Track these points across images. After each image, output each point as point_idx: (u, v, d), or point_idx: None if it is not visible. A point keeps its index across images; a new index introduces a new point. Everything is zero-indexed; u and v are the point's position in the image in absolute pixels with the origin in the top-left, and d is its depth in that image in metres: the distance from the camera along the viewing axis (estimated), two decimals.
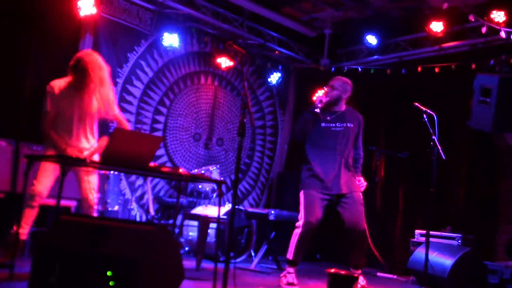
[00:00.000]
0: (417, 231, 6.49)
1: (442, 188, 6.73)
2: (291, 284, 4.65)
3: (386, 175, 7.98)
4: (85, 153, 4.28)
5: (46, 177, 4.20)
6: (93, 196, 4.36)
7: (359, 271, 4.70)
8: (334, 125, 4.72)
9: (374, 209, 7.84)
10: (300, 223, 4.61)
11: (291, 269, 4.70)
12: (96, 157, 4.35)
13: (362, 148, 5.07)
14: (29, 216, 4.16)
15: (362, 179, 4.89)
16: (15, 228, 4.07)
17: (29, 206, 4.15)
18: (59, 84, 4.30)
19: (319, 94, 4.72)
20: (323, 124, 4.80)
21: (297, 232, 4.62)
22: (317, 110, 4.63)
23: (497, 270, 5.69)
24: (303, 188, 4.70)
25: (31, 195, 4.15)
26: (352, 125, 4.81)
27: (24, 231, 4.14)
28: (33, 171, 4.04)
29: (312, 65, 8.78)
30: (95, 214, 4.42)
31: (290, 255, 4.66)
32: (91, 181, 4.36)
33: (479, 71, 6.41)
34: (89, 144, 4.43)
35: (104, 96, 4.41)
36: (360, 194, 4.77)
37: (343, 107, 4.91)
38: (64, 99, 4.27)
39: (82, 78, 4.26)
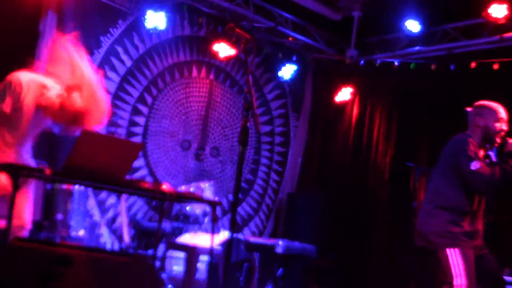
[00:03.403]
0: None
1: (502, 217, 6.73)
2: None
3: None
4: None
5: None
6: (29, 214, 4.30)
7: None
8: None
9: (411, 242, 7.82)
10: None
11: None
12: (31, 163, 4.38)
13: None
14: None
15: None
16: None
17: None
18: (24, 78, 4.25)
19: None
20: None
21: None
22: None
23: None
24: (460, 247, 4.53)
25: None
26: None
27: None
28: None
29: (335, 56, 8.83)
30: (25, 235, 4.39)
31: None
32: (28, 193, 4.32)
33: None
34: (26, 155, 4.43)
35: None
36: None
37: None
38: (27, 101, 4.23)
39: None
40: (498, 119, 4.63)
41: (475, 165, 4.42)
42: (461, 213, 4.59)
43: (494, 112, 4.67)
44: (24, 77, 4.28)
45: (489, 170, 4.41)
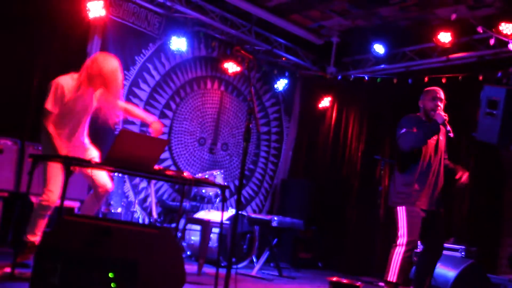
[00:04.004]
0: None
1: (446, 199, 6.68)
2: None
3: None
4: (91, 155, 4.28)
5: (57, 182, 4.09)
6: (109, 181, 4.29)
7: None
8: (435, 137, 4.44)
9: (378, 218, 7.81)
10: (402, 241, 4.27)
11: None
12: (96, 158, 4.35)
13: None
14: (42, 224, 4.09)
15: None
16: (28, 236, 4.04)
17: (42, 216, 4.07)
18: (65, 81, 4.20)
19: (440, 112, 4.37)
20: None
21: (399, 251, 4.25)
22: (451, 135, 4.30)
23: (501, 284, 5.65)
24: (406, 204, 4.33)
25: (46, 206, 4.05)
26: (442, 138, 4.57)
27: (38, 238, 4.07)
28: (36, 172, 4.00)
29: (318, 72, 8.78)
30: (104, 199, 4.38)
31: (393, 277, 4.21)
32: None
33: (486, 83, 6.38)
34: (85, 142, 4.41)
35: (109, 103, 4.36)
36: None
37: None
38: (69, 97, 4.19)
39: (92, 82, 4.22)
40: (432, 98, 4.46)
41: (402, 131, 4.32)
42: (412, 175, 4.37)
43: (429, 93, 4.52)
44: (63, 78, 4.23)
45: (410, 134, 4.26)
